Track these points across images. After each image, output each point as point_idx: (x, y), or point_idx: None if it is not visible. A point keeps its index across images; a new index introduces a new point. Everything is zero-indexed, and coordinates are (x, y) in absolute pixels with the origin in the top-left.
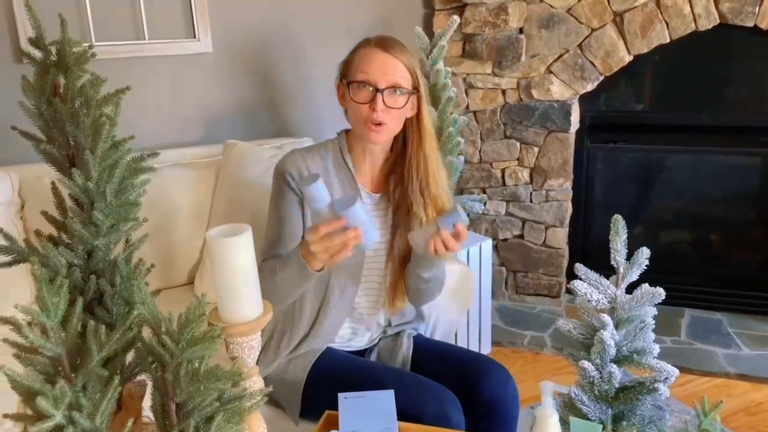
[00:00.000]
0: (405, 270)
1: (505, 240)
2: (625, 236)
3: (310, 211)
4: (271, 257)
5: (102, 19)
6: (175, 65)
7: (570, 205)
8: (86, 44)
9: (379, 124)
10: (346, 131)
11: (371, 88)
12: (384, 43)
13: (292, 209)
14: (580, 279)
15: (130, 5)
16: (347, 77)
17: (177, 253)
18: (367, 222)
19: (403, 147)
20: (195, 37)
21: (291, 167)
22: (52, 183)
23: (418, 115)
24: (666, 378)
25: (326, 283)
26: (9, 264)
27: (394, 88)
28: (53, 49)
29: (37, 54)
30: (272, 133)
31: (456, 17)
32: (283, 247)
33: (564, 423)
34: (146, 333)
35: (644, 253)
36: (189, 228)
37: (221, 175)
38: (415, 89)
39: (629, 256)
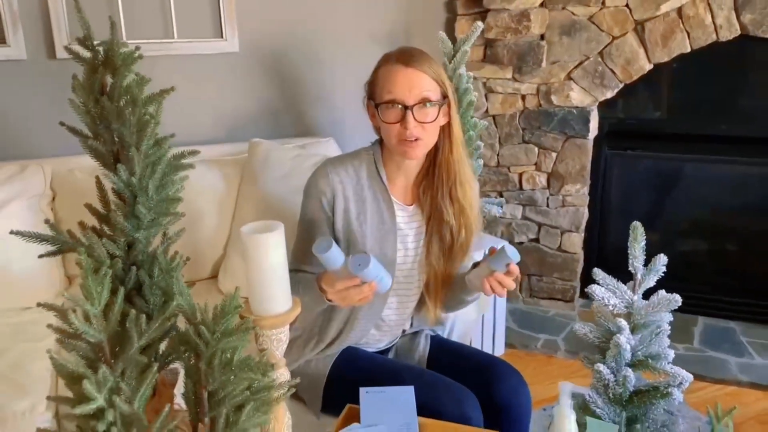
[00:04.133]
0: (448, 277)
1: (521, 243)
2: (643, 243)
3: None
4: (295, 271)
5: (133, 17)
6: (202, 64)
7: (586, 210)
8: (133, 45)
9: (415, 139)
10: (380, 141)
11: (400, 107)
12: (405, 57)
13: (322, 225)
14: (598, 283)
15: (160, 4)
16: (374, 99)
17: (202, 248)
18: (381, 273)
19: (434, 155)
20: (222, 37)
21: (324, 186)
22: (97, 177)
23: (449, 121)
24: (680, 383)
25: None
26: (54, 253)
27: (423, 102)
28: (101, 49)
29: (85, 53)
30: (295, 132)
31: (479, 23)
32: (309, 264)
33: (577, 424)
34: (180, 324)
35: (661, 260)
36: (214, 224)
37: (246, 173)
38: (445, 97)
39: (646, 263)
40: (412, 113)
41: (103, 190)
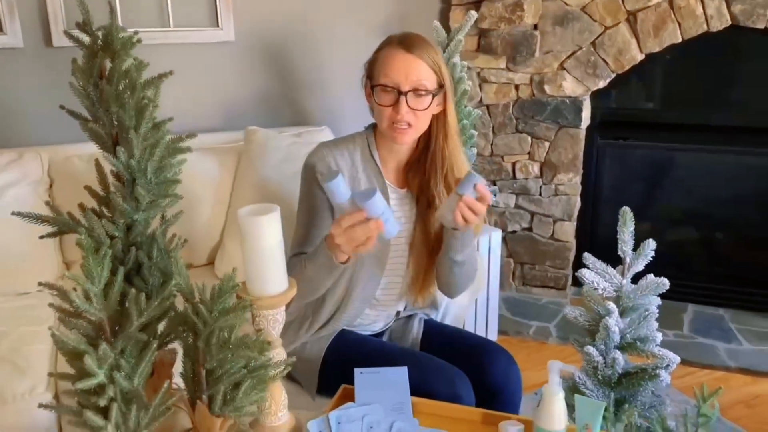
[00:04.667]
0: (434, 260)
1: (514, 232)
2: (632, 227)
3: (335, 206)
4: (299, 254)
5: (129, 5)
6: (198, 53)
7: (578, 199)
8: (132, 30)
9: (406, 126)
10: (374, 125)
11: (395, 91)
12: (407, 43)
13: (322, 207)
14: (588, 268)
15: None
16: (372, 79)
17: (198, 235)
18: (388, 212)
19: (427, 142)
20: (218, 26)
21: (320, 165)
22: (96, 160)
23: (444, 110)
24: (667, 365)
25: (350, 275)
26: (54, 234)
27: (418, 90)
28: (99, 34)
29: (84, 38)
30: (291, 121)
31: (473, 12)
32: (312, 245)
33: (567, 406)
34: (178, 305)
35: (650, 245)
36: (210, 211)
37: (243, 160)
38: (441, 86)
39: (635, 248)
40: (406, 99)
41: (103, 173)
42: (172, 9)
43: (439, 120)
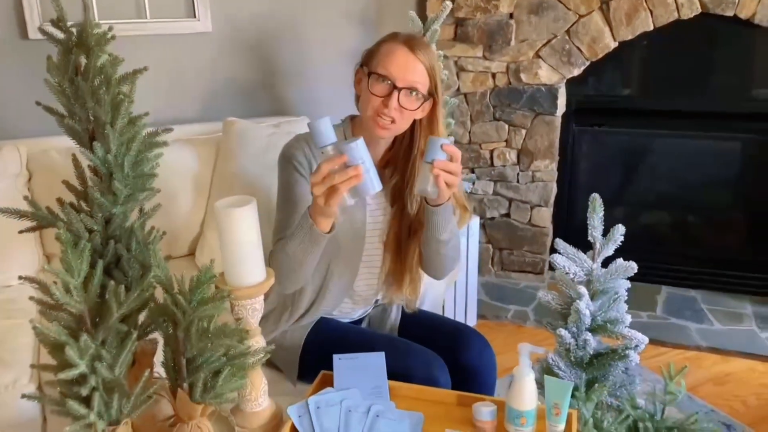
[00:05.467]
0: (404, 263)
1: (492, 219)
2: (602, 213)
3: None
4: (280, 240)
5: None
6: (175, 44)
7: (555, 185)
8: (106, 24)
9: (390, 121)
10: (351, 118)
11: (389, 84)
12: (411, 42)
13: (303, 192)
14: (560, 253)
15: None
16: (369, 66)
17: (178, 226)
18: (370, 163)
19: (409, 146)
20: (195, 17)
21: (298, 153)
22: (73, 155)
23: (431, 118)
24: (636, 345)
25: (326, 268)
26: (34, 229)
27: (411, 89)
28: (74, 30)
29: (59, 34)
30: (269, 111)
31: (448, 2)
32: None
33: (541, 388)
34: (158, 296)
35: (619, 230)
36: (190, 202)
37: (221, 151)
38: (431, 95)
39: (606, 233)
40: (398, 95)
41: (80, 168)
42: (149, 0)
43: (424, 127)
